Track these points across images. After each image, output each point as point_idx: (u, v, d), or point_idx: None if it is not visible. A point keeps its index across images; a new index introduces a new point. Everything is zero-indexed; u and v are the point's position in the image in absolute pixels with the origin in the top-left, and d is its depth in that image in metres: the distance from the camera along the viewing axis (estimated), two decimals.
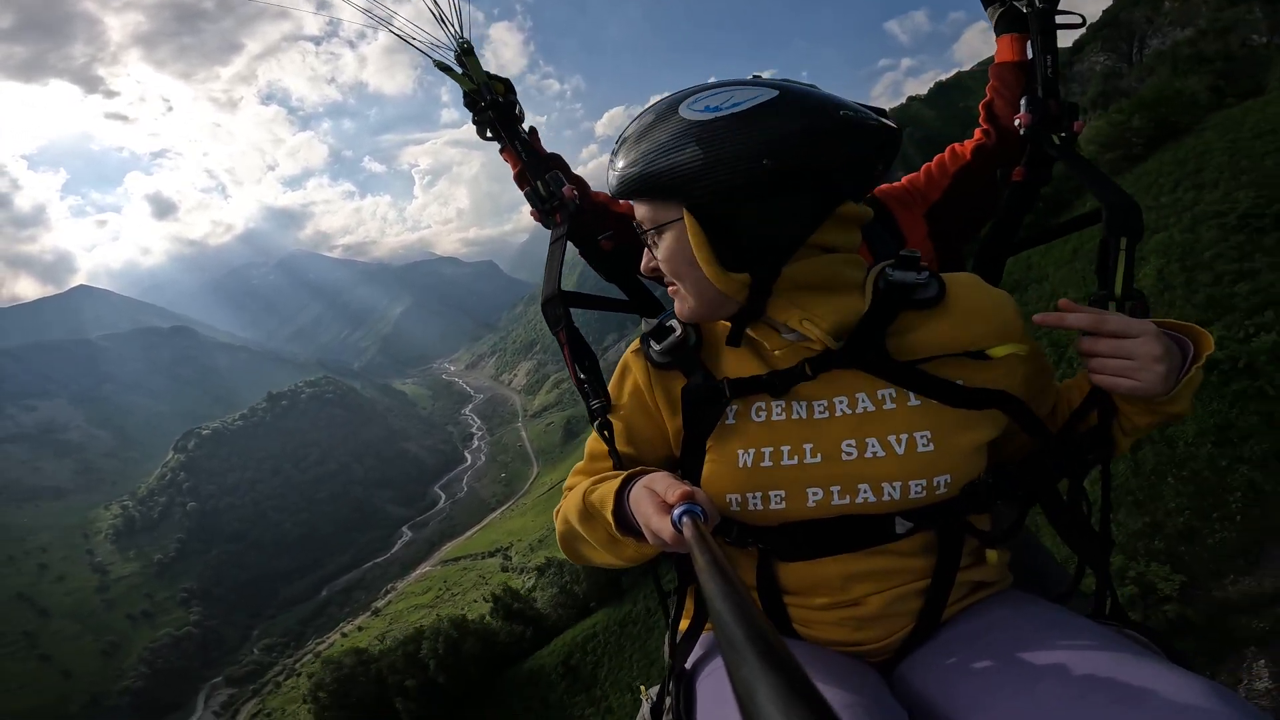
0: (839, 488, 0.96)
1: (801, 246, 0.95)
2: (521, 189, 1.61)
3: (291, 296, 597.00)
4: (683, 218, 0.95)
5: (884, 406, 0.96)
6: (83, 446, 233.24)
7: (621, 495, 0.95)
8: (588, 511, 1.01)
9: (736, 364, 1.04)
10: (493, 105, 1.60)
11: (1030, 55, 1.42)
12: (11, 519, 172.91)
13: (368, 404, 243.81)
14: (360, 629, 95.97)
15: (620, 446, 1.12)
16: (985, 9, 1.56)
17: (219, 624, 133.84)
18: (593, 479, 1.07)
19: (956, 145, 1.64)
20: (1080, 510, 1.07)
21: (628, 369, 1.14)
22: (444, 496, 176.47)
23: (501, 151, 1.66)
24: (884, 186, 1.72)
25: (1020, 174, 1.40)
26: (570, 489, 1.14)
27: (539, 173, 1.58)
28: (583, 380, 1.21)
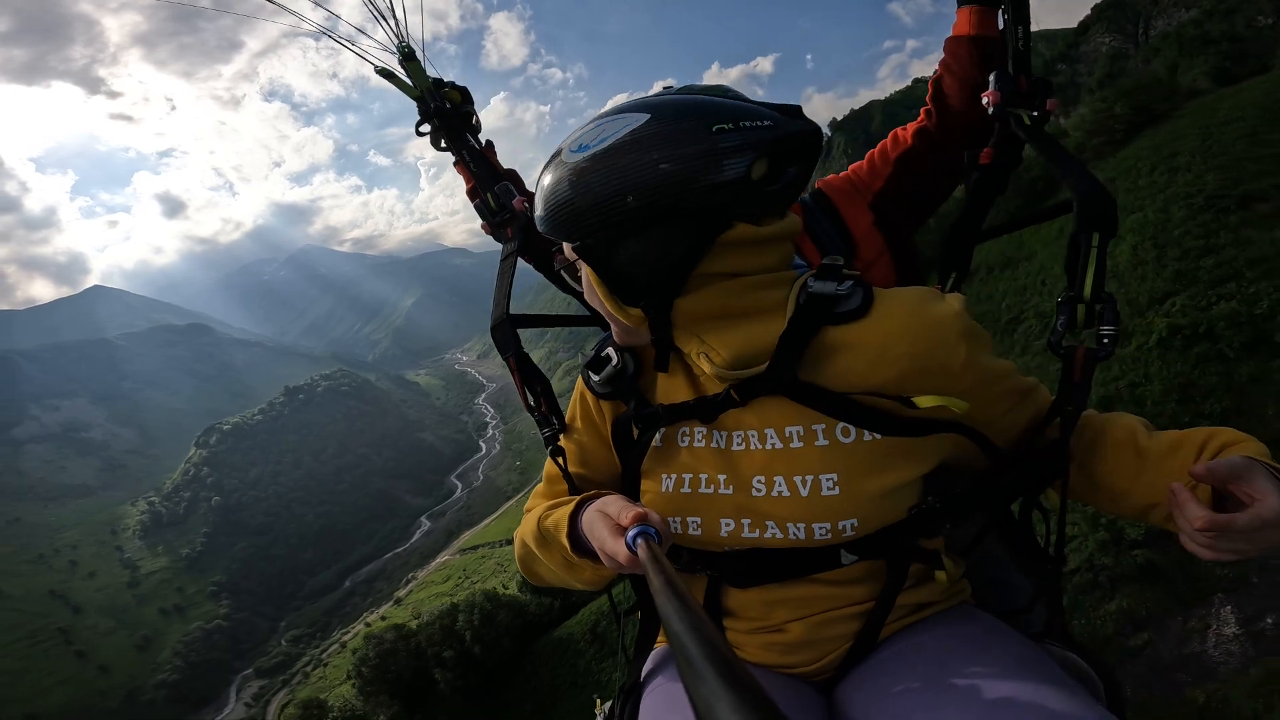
0: (749, 521, 0.96)
1: (688, 278, 0.93)
2: (472, 202, 1.57)
3: (303, 291, 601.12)
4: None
5: (791, 445, 0.94)
6: (106, 445, 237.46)
7: (575, 519, 0.95)
8: (543, 536, 1.01)
9: (672, 390, 1.04)
10: (439, 113, 1.55)
11: (981, 30, 1.34)
12: (40, 518, 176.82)
13: (383, 395, 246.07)
14: (384, 618, 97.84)
15: (576, 469, 1.13)
16: None
17: (248, 616, 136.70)
18: (548, 504, 1.08)
19: (899, 130, 1.57)
20: (1031, 528, 1.05)
21: (583, 396, 1.14)
22: (460, 486, 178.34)
23: (455, 164, 1.60)
24: (827, 179, 1.65)
25: (988, 156, 1.32)
26: (529, 511, 1.15)
27: (489, 185, 1.53)
28: (532, 407, 1.20)
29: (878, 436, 0.92)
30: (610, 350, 1.09)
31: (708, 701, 0.30)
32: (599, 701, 1.20)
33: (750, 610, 1.00)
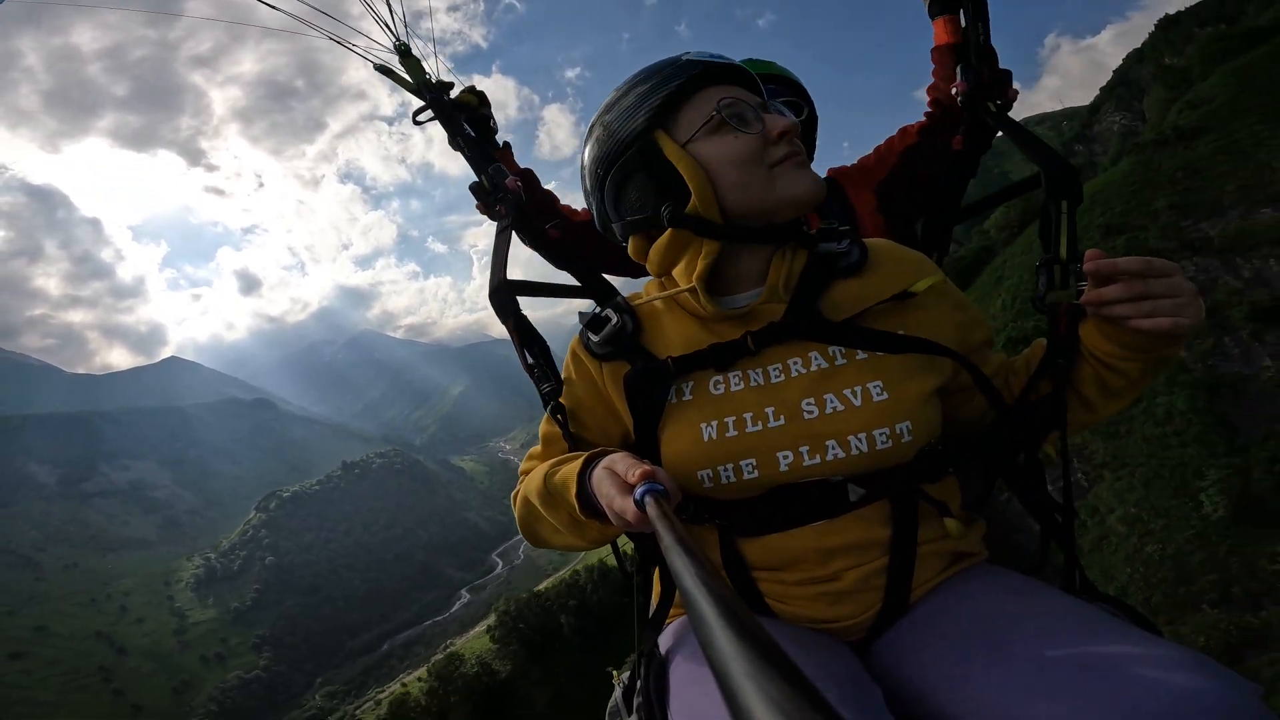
0: (807, 448, 0.95)
1: None
2: (470, 186, 1.63)
3: (360, 374, 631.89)
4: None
5: (835, 362, 0.97)
6: (169, 504, 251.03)
7: (584, 477, 0.93)
8: (549, 494, 1.00)
9: (680, 342, 1.05)
10: (435, 104, 1.65)
11: (954, 38, 1.46)
12: (97, 564, 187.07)
13: (432, 476, 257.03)
14: (420, 680, 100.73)
15: (573, 429, 1.13)
16: None
17: (286, 669, 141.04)
18: (554, 461, 1.05)
19: (907, 126, 1.71)
20: (1039, 479, 1.07)
21: (575, 357, 1.14)
22: (502, 563, 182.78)
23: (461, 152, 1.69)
24: (840, 167, 1.83)
25: (959, 143, 1.45)
26: (526, 473, 1.15)
27: (483, 167, 1.60)
28: (532, 365, 1.23)
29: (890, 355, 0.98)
30: (609, 310, 1.10)
31: (722, 658, 0.30)
32: (615, 672, 1.20)
33: (806, 558, 0.98)
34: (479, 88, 1.72)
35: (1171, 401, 18.71)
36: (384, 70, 1.69)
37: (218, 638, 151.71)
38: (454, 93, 1.71)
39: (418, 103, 1.67)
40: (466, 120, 1.69)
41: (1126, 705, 0.66)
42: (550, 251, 1.64)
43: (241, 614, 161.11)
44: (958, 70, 1.40)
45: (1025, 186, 1.34)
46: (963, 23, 1.42)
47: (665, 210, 1.00)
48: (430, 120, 1.68)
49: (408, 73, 1.68)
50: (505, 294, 1.27)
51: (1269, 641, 12.90)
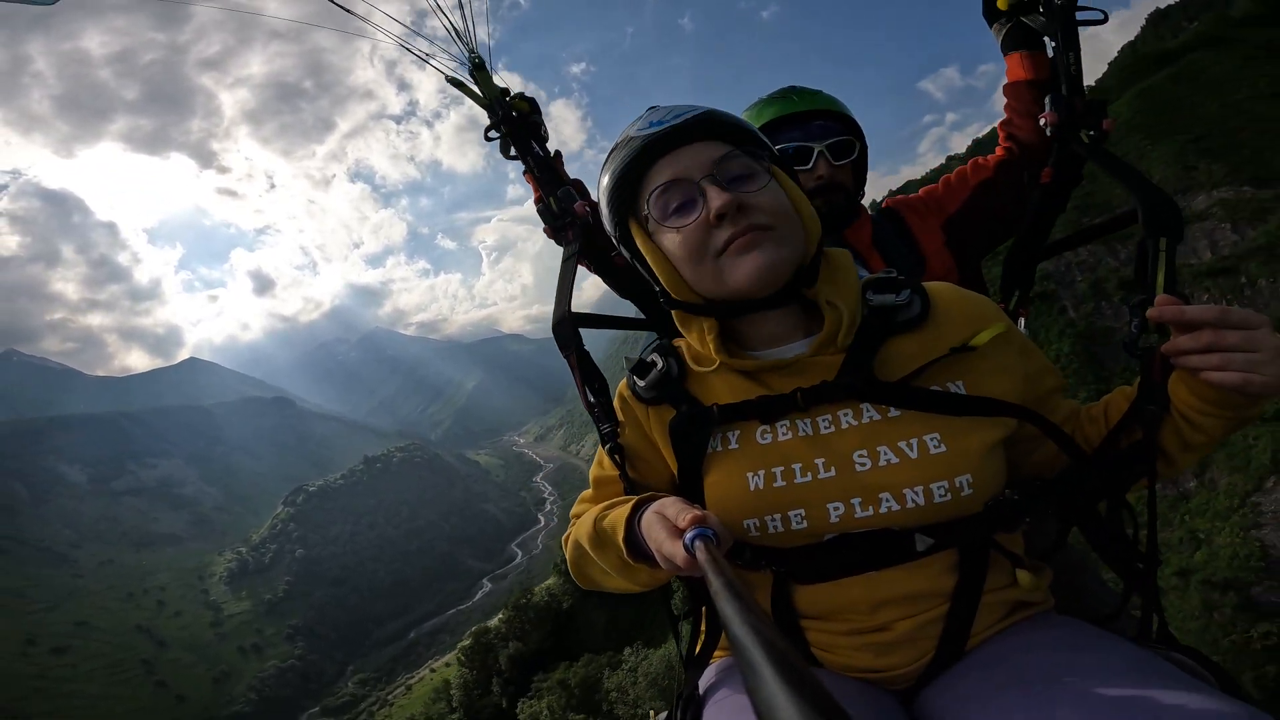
0: (860, 500, 0.92)
1: None
2: (537, 208, 1.59)
3: (374, 371, 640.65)
4: (772, 170, 0.99)
5: (889, 414, 0.94)
6: (197, 500, 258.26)
7: (632, 521, 0.93)
8: (600, 538, 0.99)
9: (726, 390, 1.04)
10: (506, 120, 1.59)
11: (1036, 74, 1.41)
12: (132, 560, 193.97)
13: (450, 469, 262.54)
14: (448, 665, 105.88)
15: (627, 472, 1.13)
16: (990, 26, 1.53)
17: (319, 659, 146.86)
18: (604, 505, 1.05)
19: (980, 159, 1.64)
20: (1121, 527, 1.01)
21: (624, 400, 1.14)
22: (521, 553, 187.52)
23: (525, 174, 1.64)
24: (900, 197, 1.75)
25: (1049, 175, 1.37)
26: (578, 517, 1.15)
27: (552, 190, 1.56)
28: (593, 404, 1.21)
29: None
30: (655, 355, 1.10)
31: (769, 704, 0.29)
32: (652, 713, 1.12)
33: (855, 608, 0.96)
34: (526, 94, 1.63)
35: (1060, 347, 27.64)
36: (455, 83, 1.64)
37: (253, 629, 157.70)
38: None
39: (433, 96, 1.92)
40: (519, 129, 1.62)
41: None
42: (616, 280, 1.61)
43: (274, 605, 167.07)
44: (1046, 101, 1.33)
45: (1122, 222, 1.24)
46: (1050, 52, 1.36)
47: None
48: (503, 138, 1.61)
49: (480, 86, 1.61)
50: (569, 327, 1.24)
51: None
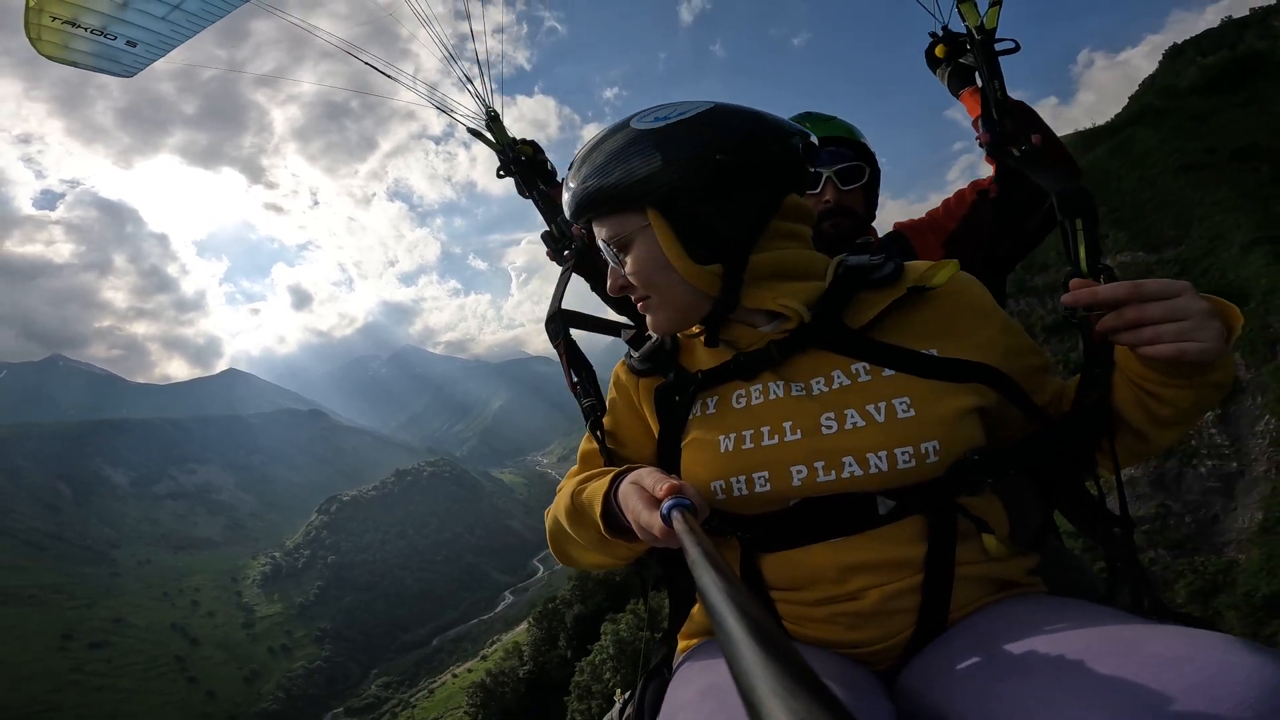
0: (823, 463, 0.92)
1: (761, 235, 0.98)
2: (542, 235, 1.81)
3: (404, 388, 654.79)
4: (649, 224, 0.97)
5: (859, 379, 0.95)
6: (232, 506, 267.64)
7: (609, 495, 0.93)
8: (577, 511, 1.00)
9: (710, 359, 1.07)
10: (516, 162, 1.88)
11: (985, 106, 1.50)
12: (169, 562, 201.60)
13: (477, 485, 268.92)
14: (470, 670, 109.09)
15: (611, 446, 1.16)
16: (934, 72, 1.69)
17: (345, 661, 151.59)
18: (582, 477, 1.06)
19: (979, 179, 1.71)
20: (1089, 494, 1.03)
21: (617, 377, 1.19)
22: (543, 568, 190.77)
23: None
24: (907, 221, 1.79)
25: (994, 189, 1.53)
26: (562, 490, 1.14)
27: (552, 218, 1.79)
28: (576, 383, 1.28)
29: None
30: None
31: (748, 674, 0.29)
32: (619, 691, 1.16)
33: (823, 576, 0.94)
34: (531, 138, 1.92)
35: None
36: (475, 133, 1.92)
37: (283, 630, 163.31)
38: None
39: (467, 125, 1.91)
40: (526, 171, 1.88)
41: (1153, 688, 0.60)
42: (603, 291, 1.69)
43: (305, 608, 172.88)
44: (979, 123, 1.45)
45: (1050, 214, 1.27)
46: (978, 83, 1.48)
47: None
48: (515, 178, 1.90)
49: (494, 135, 1.91)
50: (559, 323, 1.34)
51: None
